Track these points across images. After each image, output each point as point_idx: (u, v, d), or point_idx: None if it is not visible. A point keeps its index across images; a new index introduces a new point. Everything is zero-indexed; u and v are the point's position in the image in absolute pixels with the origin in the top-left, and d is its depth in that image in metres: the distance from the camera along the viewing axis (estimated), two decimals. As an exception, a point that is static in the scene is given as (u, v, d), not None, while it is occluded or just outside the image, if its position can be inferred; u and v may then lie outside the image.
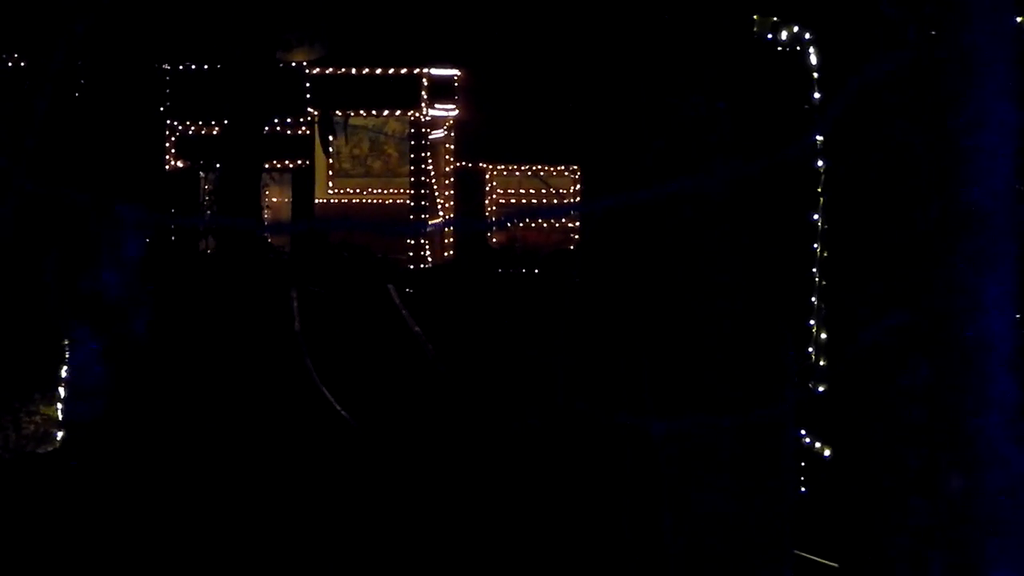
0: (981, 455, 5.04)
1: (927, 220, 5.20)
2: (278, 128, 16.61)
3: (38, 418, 10.81)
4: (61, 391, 10.63)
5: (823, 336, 9.81)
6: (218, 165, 15.92)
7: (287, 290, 14.38)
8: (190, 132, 16.38)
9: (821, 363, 9.85)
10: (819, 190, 9.75)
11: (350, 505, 10.30)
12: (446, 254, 17.22)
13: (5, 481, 9.96)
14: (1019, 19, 7.60)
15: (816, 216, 9.86)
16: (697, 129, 10.91)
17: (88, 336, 10.22)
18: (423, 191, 17.57)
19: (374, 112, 17.71)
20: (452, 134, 17.63)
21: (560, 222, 17.48)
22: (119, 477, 10.07)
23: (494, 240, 17.28)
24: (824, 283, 9.82)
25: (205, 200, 16.41)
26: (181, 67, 15.88)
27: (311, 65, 16.63)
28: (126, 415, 10.48)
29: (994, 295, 5.04)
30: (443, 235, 17.32)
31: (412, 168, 17.62)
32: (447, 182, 18.13)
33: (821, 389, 9.76)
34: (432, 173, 17.76)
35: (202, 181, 16.43)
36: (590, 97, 14.65)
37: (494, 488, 10.52)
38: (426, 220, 17.42)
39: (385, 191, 18.50)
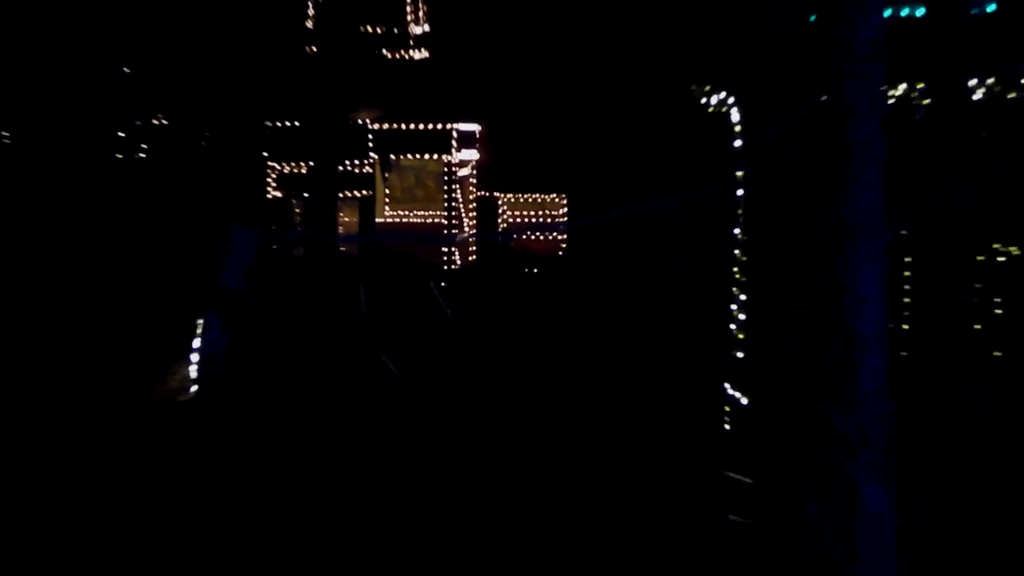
0: (858, 399, 4.96)
1: (818, 233, 5.10)
2: (349, 167, 16.50)
3: (178, 376, 10.84)
4: (193, 356, 10.65)
5: (741, 317, 9.72)
6: (305, 194, 15.87)
7: (355, 284, 14.33)
8: (285, 171, 16.27)
9: (740, 337, 9.76)
10: (739, 211, 9.69)
11: (393, 424, 10.20)
12: (470, 258, 17.14)
13: (158, 418, 10.16)
14: (889, 89, 7.81)
15: (737, 230, 9.74)
16: (645, 171, 10.97)
17: (214, 316, 10.19)
18: (453, 213, 17.41)
19: (418, 155, 17.53)
20: (474, 171, 17.47)
21: (552, 236, 17.49)
22: (234, 414, 9.99)
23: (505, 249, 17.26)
24: (743, 279, 9.76)
25: (296, 220, 16.39)
26: (279, 124, 15.81)
27: (373, 122, 16.53)
28: (239, 372, 10.42)
29: (868, 284, 4.96)
30: (467, 245, 17.26)
31: (445, 196, 17.43)
32: (470, 206, 17.98)
33: (740, 355, 9.73)
34: (459, 200, 17.64)
35: (294, 206, 16.37)
36: (574, 147, 14.76)
37: (495, 414, 10.48)
38: (455, 234, 17.38)
39: (426, 213, 18.45)
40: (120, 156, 12.28)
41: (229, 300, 10.33)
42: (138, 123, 12.52)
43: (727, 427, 9.69)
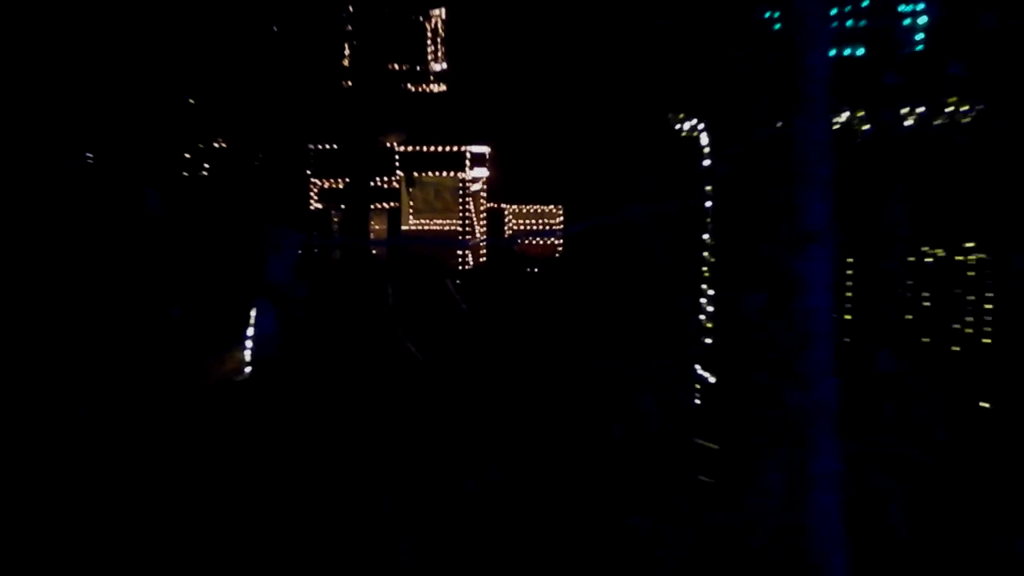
0: (808, 377, 4.96)
1: (776, 238, 5.04)
2: (378, 183, 16.56)
3: (235, 359, 10.76)
4: (248, 342, 10.73)
5: (710, 310, 9.68)
6: (342, 206, 15.92)
7: (384, 282, 14.33)
8: (325, 186, 16.33)
9: (709, 326, 9.68)
10: (708, 220, 9.62)
11: (417, 399, 10.19)
12: (480, 260, 17.14)
13: (217, 396, 10.13)
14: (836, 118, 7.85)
15: (706, 235, 9.64)
16: (629, 185, 10.89)
17: (266, 305, 10.30)
18: (466, 221, 17.44)
19: (436, 173, 17.59)
20: (484, 186, 17.50)
21: (549, 240, 17.44)
22: (285, 391, 10.03)
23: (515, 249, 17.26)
24: (711, 277, 9.66)
25: (334, 227, 16.42)
26: (321, 147, 15.89)
27: (399, 145, 16.61)
28: (288, 354, 10.50)
29: (817, 282, 4.96)
30: (478, 248, 17.25)
31: (460, 207, 17.48)
32: (481, 216, 17.97)
33: (709, 341, 9.69)
34: (472, 210, 17.63)
35: (332, 216, 16.39)
36: (569, 166, 14.76)
37: (503, 390, 10.33)
38: (468, 239, 17.35)
39: (443, 221, 18.33)
40: (186, 174, 12.35)
41: (277, 292, 10.44)
42: (201, 146, 12.55)
43: (698, 402, 9.60)
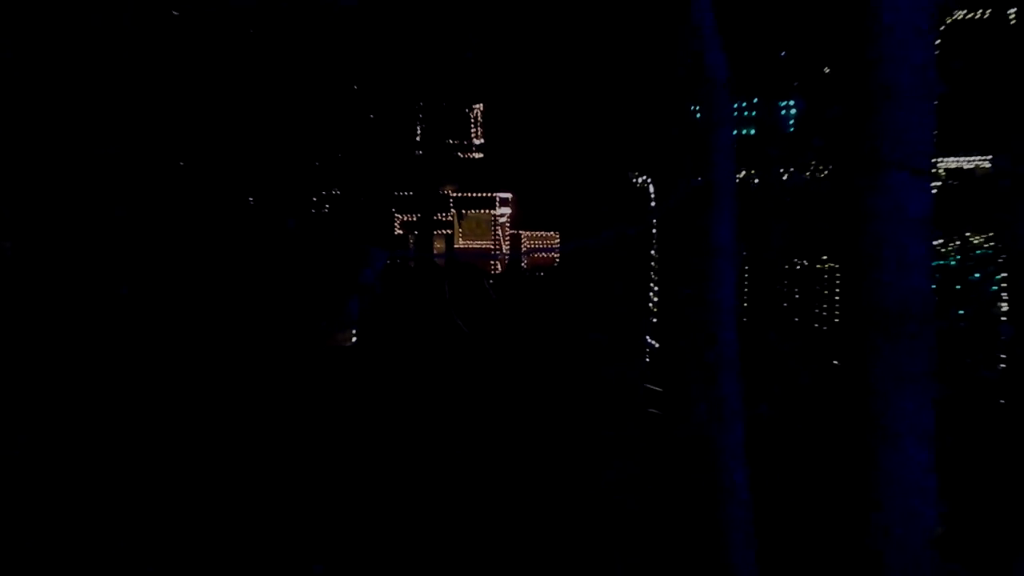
0: (721, 342, 4.60)
1: (699, 257, 4.83)
2: (439, 217, 16.59)
3: (345, 333, 10.58)
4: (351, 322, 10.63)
5: (656, 300, 9.63)
6: (416, 232, 15.92)
7: (442, 281, 14.27)
8: (405, 219, 16.35)
9: (655, 310, 9.61)
10: (654, 240, 9.61)
11: (464, 356, 10.08)
12: (505, 267, 17.13)
13: (336, 354, 10.03)
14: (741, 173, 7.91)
15: (653, 251, 9.63)
16: (602, 218, 10.79)
17: (355, 298, 10.21)
18: (496, 242, 17.45)
19: (477, 210, 17.64)
20: (508, 219, 17.54)
21: (550, 255, 17.37)
22: (380, 351, 9.98)
23: (524, 263, 17.19)
24: (656, 280, 9.54)
25: (410, 245, 16.41)
26: (401, 193, 15.88)
27: (452, 192, 16.62)
28: (380, 328, 10.47)
29: (726, 282, 4.62)
30: (504, 260, 17.20)
31: (492, 233, 17.51)
32: (506, 239, 17.98)
33: (655, 320, 9.62)
34: (500, 235, 17.64)
35: (409, 239, 16.38)
36: (565, 206, 14.77)
37: (518, 352, 10.19)
38: (497, 254, 17.32)
39: (481, 243, 18.29)
40: (314, 211, 12.42)
41: (368, 291, 10.46)
42: (324, 192, 12.62)
43: (648, 360, 9.51)
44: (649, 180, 9.94)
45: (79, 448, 6.07)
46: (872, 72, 3.68)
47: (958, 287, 8.42)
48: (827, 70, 9.23)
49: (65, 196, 7.54)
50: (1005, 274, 8.00)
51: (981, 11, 8.02)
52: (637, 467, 6.47)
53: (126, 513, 5.01)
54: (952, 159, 8.55)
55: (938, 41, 3.78)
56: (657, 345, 9.41)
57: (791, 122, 9.63)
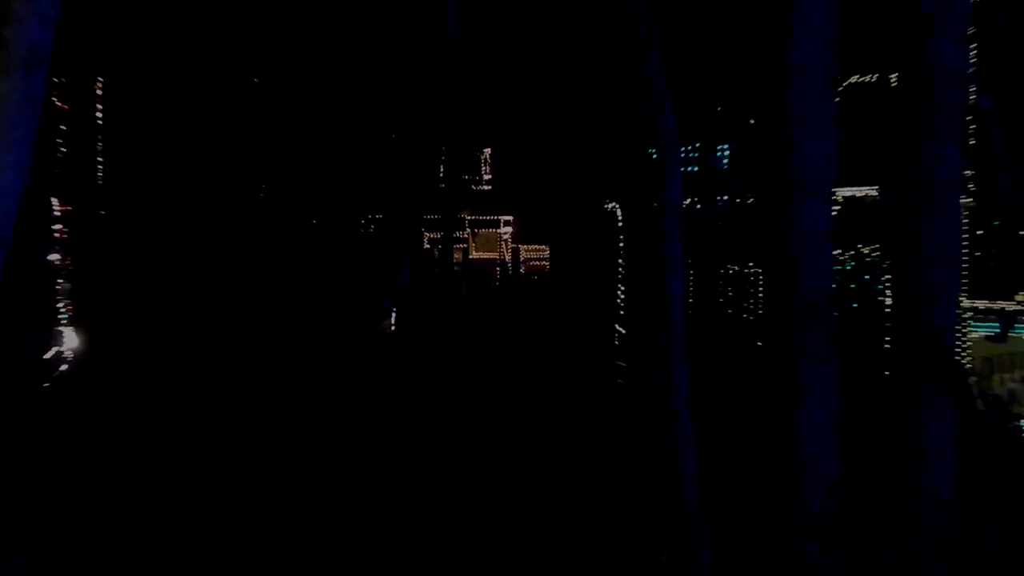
0: (671, 328, 4.62)
1: (655, 264, 4.67)
2: (458, 234, 16.49)
3: (387, 320, 10.45)
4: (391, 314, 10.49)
5: (622, 296, 9.49)
6: (440, 246, 15.79)
7: (460, 283, 14.21)
8: (431, 235, 16.24)
9: (621, 304, 9.48)
10: (620, 253, 9.50)
11: (474, 337, 10.00)
12: (508, 273, 17.07)
13: (383, 336, 9.88)
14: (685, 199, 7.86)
15: (620, 260, 9.50)
16: (581, 236, 10.71)
17: (393, 296, 9.94)
18: (501, 254, 17.39)
19: (486, 229, 17.55)
20: (510, 236, 17.50)
21: (542, 263, 17.32)
22: (414, 334, 9.84)
23: (522, 270, 17.15)
24: (622, 282, 9.42)
25: (435, 256, 16.27)
26: (429, 216, 15.33)
27: (467, 215, 16.53)
28: (413, 319, 10.33)
29: (675, 284, 4.63)
30: (507, 267, 17.15)
31: (499, 247, 17.42)
32: (509, 251, 17.96)
33: (621, 312, 9.45)
34: (504, 248, 17.57)
35: (435, 252, 16.22)
36: (554, 226, 14.72)
37: (518, 334, 10.06)
38: (501, 263, 17.28)
39: (490, 254, 18.21)
40: (362, 231, 12.32)
41: (401, 291, 10.35)
42: (370, 216, 12.52)
43: (616, 343, 9.41)
44: (617, 206, 9.86)
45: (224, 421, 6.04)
46: (786, 125, 3.76)
47: (852, 286, 8.41)
48: (752, 122, 9.19)
49: (176, 216, 7.45)
50: (888, 276, 7.96)
51: (871, 76, 7.99)
52: (609, 425, 6.40)
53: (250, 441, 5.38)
54: (847, 188, 8.52)
55: (837, 99, 3.81)
56: (623, 331, 9.34)
57: (724, 161, 9.59)
